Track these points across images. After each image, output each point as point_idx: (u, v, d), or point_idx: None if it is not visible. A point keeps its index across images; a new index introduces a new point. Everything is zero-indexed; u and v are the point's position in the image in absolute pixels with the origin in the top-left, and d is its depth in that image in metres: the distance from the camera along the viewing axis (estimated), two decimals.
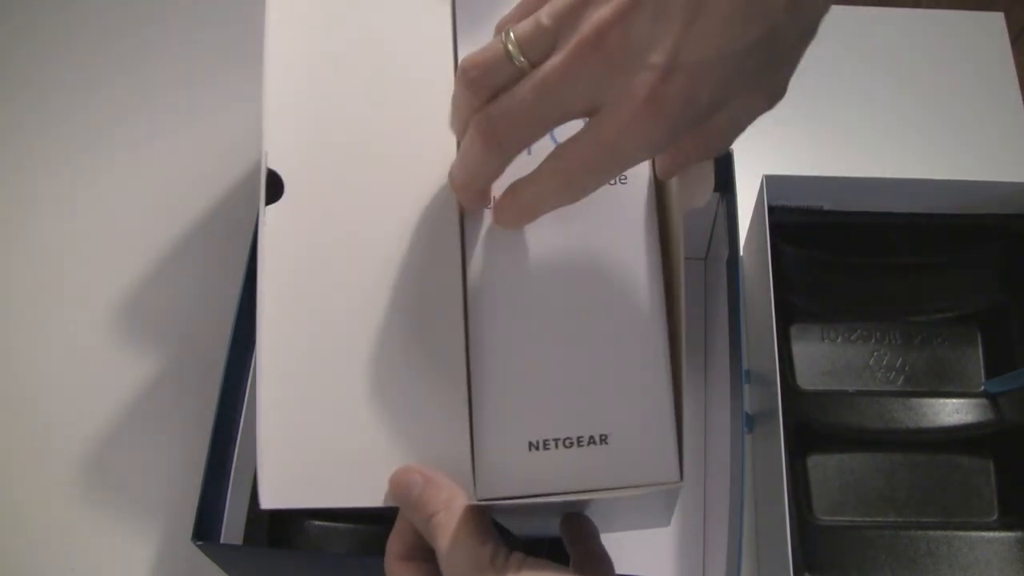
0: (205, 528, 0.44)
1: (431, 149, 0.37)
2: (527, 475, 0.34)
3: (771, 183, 0.53)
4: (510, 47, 0.30)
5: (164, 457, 0.57)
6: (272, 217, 0.36)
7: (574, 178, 0.31)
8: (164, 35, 0.72)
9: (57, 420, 0.58)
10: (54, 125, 0.69)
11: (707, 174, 0.35)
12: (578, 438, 0.34)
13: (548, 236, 0.36)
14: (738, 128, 0.31)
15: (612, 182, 0.36)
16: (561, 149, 0.31)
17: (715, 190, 0.52)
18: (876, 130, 0.68)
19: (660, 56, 0.27)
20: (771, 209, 0.53)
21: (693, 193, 0.35)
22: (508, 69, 0.30)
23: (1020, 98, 0.69)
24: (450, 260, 0.36)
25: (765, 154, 0.65)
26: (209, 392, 0.47)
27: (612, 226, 0.36)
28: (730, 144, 0.32)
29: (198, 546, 0.42)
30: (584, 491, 0.34)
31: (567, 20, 0.28)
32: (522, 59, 0.30)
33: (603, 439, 0.34)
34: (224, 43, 0.72)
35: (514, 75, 0.30)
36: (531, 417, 0.34)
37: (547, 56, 0.29)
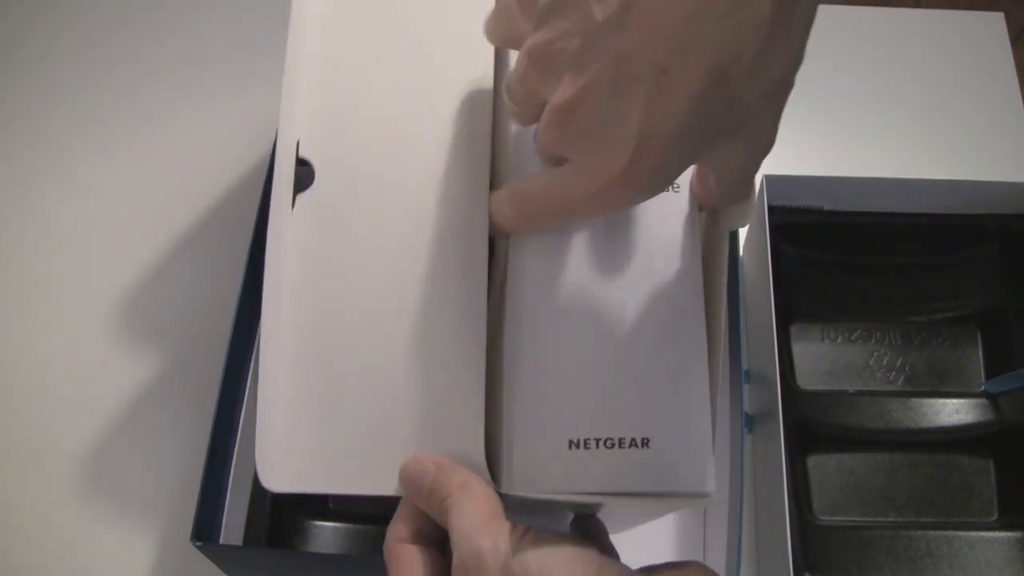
0: (205, 528, 0.44)
1: (459, 141, 0.37)
2: (566, 472, 0.33)
3: (771, 183, 0.53)
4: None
5: (164, 457, 0.57)
6: (299, 205, 0.36)
7: (529, 215, 0.33)
8: (164, 36, 0.72)
9: (57, 420, 0.58)
10: (54, 125, 0.69)
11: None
12: (619, 439, 0.34)
13: (593, 235, 0.36)
14: (731, 180, 0.33)
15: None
16: (526, 186, 0.33)
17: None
18: (876, 130, 0.68)
19: (627, 131, 0.28)
20: (771, 209, 0.53)
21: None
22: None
23: (1020, 98, 0.69)
24: (476, 251, 0.36)
25: None
26: (209, 392, 0.47)
27: (659, 229, 0.36)
28: (731, 198, 0.34)
29: (197, 547, 0.42)
30: (621, 494, 0.34)
31: (549, 79, 0.30)
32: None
33: (644, 442, 0.33)
34: (225, 44, 0.72)
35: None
36: (573, 415, 0.34)
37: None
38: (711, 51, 0.27)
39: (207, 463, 0.45)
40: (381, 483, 0.34)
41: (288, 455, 0.34)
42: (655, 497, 0.34)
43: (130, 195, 0.66)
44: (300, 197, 0.36)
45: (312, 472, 0.34)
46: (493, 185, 0.37)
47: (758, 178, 0.53)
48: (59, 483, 0.56)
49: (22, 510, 0.56)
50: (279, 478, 0.33)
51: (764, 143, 0.31)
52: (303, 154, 0.37)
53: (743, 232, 0.58)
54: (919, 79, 0.70)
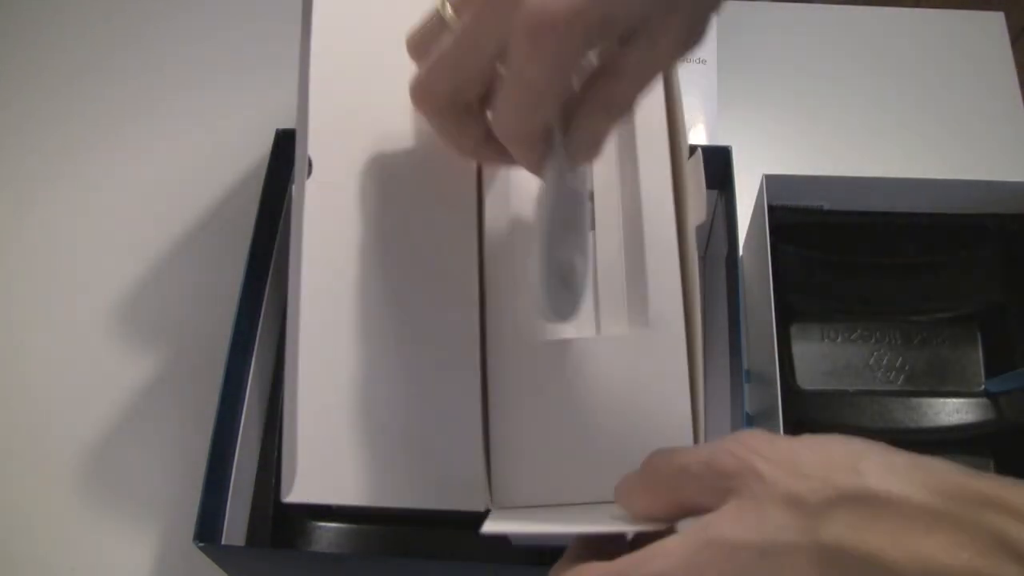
0: (207, 529, 0.44)
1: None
2: None
3: (771, 183, 0.53)
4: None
5: (165, 457, 0.57)
6: (308, 210, 0.38)
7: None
8: (165, 37, 0.73)
9: (57, 420, 0.58)
10: (55, 126, 0.69)
11: (701, 191, 0.39)
12: None
13: None
14: (645, 69, 0.32)
15: None
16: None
17: (710, 189, 0.53)
18: (876, 130, 0.68)
19: None
20: (771, 209, 0.53)
21: (694, 210, 0.39)
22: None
23: (1020, 98, 0.69)
24: (467, 265, 0.38)
25: (765, 154, 0.65)
26: (209, 392, 0.47)
27: None
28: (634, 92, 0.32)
29: (200, 548, 0.42)
30: None
31: None
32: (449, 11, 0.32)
33: None
34: (226, 45, 0.72)
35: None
36: None
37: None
38: None
39: (209, 463, 0.45)
40: (392, 495, 0.36)
41: (319, 466, 0.36)
42: None
43: (130, 195, 0.66)
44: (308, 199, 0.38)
45: (332, 483, 0.36)
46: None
47: (758, 177, 0.53)
48: (60, 483, 0.56)
49: (24, 510, 0.56)
50: (303, 490, 0.35)
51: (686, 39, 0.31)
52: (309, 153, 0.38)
53: (743, 232, 0.58)
54: (919, 79, 0.70)
